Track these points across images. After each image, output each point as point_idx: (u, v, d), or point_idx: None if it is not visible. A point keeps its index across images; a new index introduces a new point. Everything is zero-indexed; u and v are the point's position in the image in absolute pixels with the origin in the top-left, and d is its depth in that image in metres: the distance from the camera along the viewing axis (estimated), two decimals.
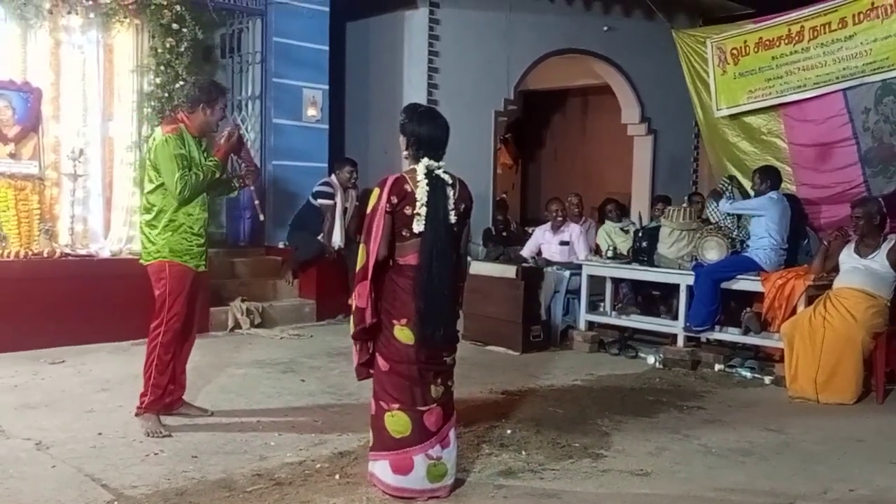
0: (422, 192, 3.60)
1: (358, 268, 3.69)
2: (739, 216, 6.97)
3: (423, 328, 3.61)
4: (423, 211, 3.60)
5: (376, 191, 3.68)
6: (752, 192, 7.03)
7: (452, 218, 3.71)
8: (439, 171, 3.69)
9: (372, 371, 3.78)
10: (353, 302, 3.71)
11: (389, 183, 3.64)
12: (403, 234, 3.64)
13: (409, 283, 3.64)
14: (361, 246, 3.69)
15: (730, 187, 7.08)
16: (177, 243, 4.60)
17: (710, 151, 8.38)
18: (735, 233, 6.97)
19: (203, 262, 4.75)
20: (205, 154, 4.69)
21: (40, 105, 6.99)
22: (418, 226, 3.60)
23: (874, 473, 4.25)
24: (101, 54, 7.43)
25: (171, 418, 4.69)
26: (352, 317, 3.74)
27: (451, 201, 3.70)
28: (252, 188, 5.34)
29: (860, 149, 7.15)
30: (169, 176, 4.53)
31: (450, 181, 3.71)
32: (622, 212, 8.96)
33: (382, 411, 3.68)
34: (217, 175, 4.70)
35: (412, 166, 3.72)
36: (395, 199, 3.61)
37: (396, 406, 3.65)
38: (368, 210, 3.69)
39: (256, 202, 5.74)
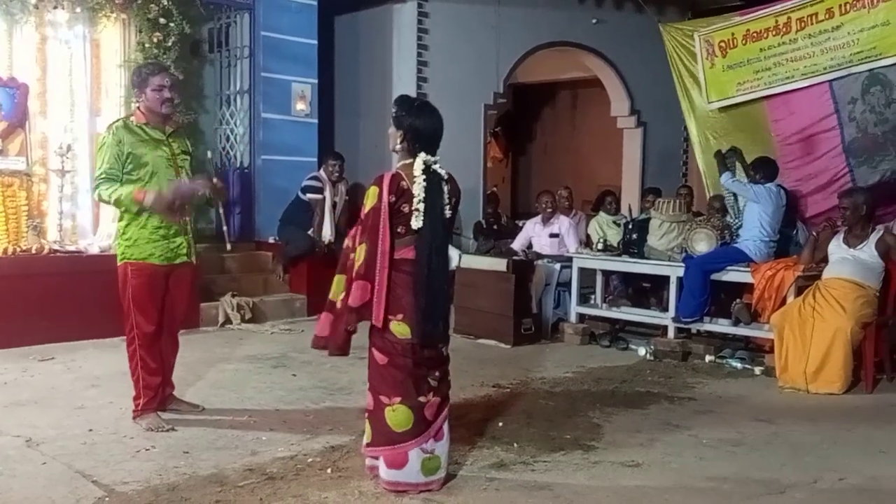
0: (419, 189, 3.56)
1: (357, 265, 3.59)
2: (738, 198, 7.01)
3: (425, 324, 3.59)
4: (422, 207, 3.56)
5: (374, 189, 3.61)
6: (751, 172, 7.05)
7: (448, 213, 3.71)
8: (435, 167, 3.66)
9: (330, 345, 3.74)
10: (343, 301, 3.64)
11: (387, 181, 3.59)
12: (399, 230, 3.60)
13: (405, 277, 3.61)
14: (362, 245, 3.59)
15: (733, 159, 7.11)
16: (142, 239, 4.48)
17: (700, 151, 8.38)
18: (733, 218, 7.00)
19: (178, 254, 4.56)
20: (168, 141, 4.55)
21: (27, 101, 6.95)
22: (416, 222, 3.56)
23: (864, 462, 4.28)
24: (87, 49, 7.40)
25: (163, 415, 4.66)
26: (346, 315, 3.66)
27: (446, 196, 3.69)
28: (221, 211, 5.10)
29: (844, 139, 7.18)
30: (97, 170, 4.53)
31: (444, 176, 3.69)
32: (619, 205, 8.97)
33: (382, 405, 3.66)
34: (131, 210, 4.46)
35: (406, 161, 3.67)
36: (392, 198, 3.57)
37: (398, 399, 3.63)
38: (367, 209, 3.61)
39: (224, 228, 5.22)
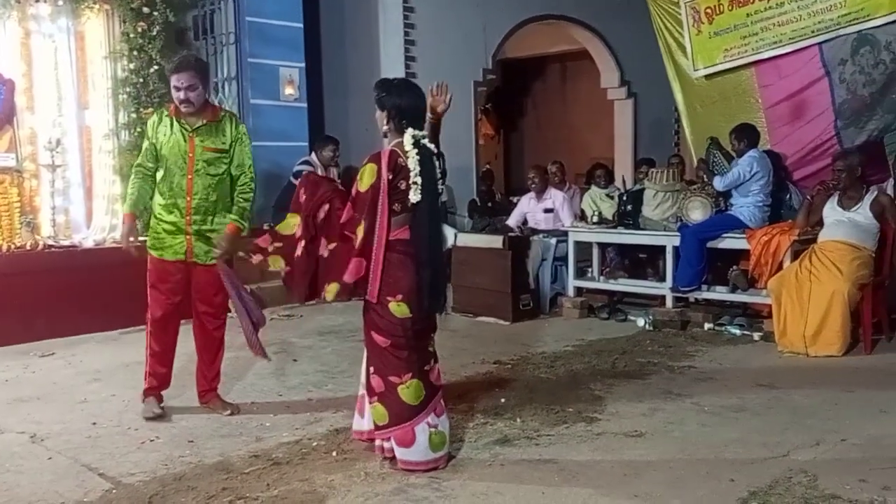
0: (414, 163, 3.55)
1: (356, 243, 3.59)
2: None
3: (427, 300, 3.61)
4: (419, 180, 3.54)
5: (371, 166, 3.59)
6: (732, 154, 7.01)
7: (440, 187, 3.72)
8: (424, 141, 3.65)
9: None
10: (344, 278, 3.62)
11: (385, 158, 3.58)
12: (394, 208, 3.59)
13: (401, 257, 3.60)
14: (360, 224, 3.58)
15: (718, 156, 7.03)
16: (153, 231, 4.55)
17: (688, 120, 8.37)
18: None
19: (178, 252, 4.49)
20: (192, 136, 4.45)
21: (13, 97, 6.89)
22: (415, 196, 3.54)
23: (865, 423, 4.30)
24: (72, 42, 7.34)
25: (168, 405, 4.68)
26: (333, 286, 3.66)
27: (438, 171, 3.68)
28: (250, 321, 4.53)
29: (834, 101, 7.16)
30: None
31: (434, 150, 3.69)
32: (609, 178, 8.96)
33: (394, 385, 3.65)
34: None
35: (398, 139, 3.66)
36: (390, 175, 3.56)
37: (409, 376, 3.65)
38: (364, 187, 3.59)
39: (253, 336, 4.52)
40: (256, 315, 4.49)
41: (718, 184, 6.84)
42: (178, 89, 4.43)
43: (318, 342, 6.47)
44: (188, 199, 4.48)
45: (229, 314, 4.75)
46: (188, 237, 4.51)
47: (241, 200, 4.56)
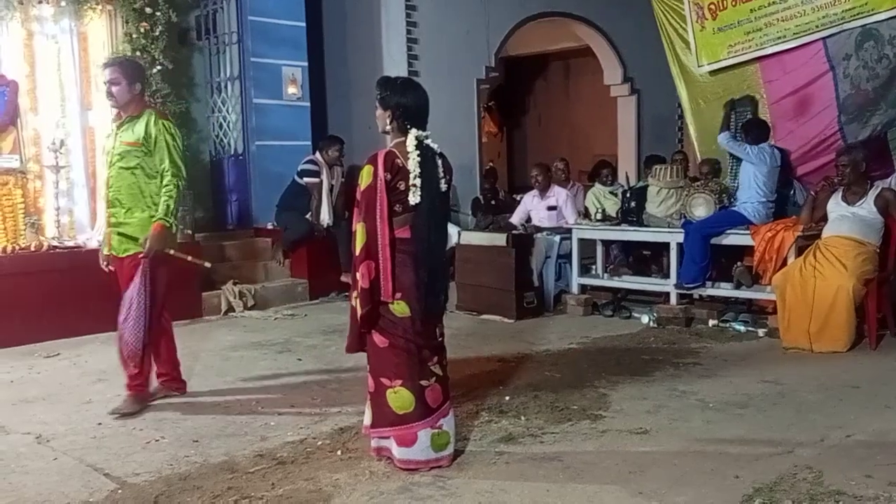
0: (414, 164, 3.54)
1: (359, 248, 3.57)
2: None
3: (425, 300, 3.59)
4: (419, 182, 3.54)
5: (368, 167, 3.59)
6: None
7: (443, 187, 3.70)
8: (427, 141, 3.64)
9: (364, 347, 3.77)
10: (358, 283, 3.57)
11: (381, 158, 3.57)
12: (395, 209, 3.58)
13: (402, 256, 3.59)
14: (360, 225, 3.58)
15: (746, 108, 7.12)
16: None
17: (691, 117, 8.35)
18: (731, 180, 7.00)
19: (106, 242, 4.77)
20: (118, 131, 4.68)
21: (17, 98, 6.92)
22: (414, 198, 3.54)
23: (870, 418, 4.29)
24: (75, 43, 7.37)
25: (173, 405, 4.76)
26: (356, 301, 3.61)
27: (441, 170, 3.68)
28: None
29: (838, 96, 7.14)
30: None
31: (437, 150, 3.68)
32: (614, 176, 8.95)
33: (384, 388, 3.66)
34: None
35: (399, 139, 3.66)
36: (388, 175, 3.54)
37: (399, 382, 3.63)
38: (363, 187, 3.59)
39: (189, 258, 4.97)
40: (134, 336, 4.62)
41: (723, 138, 6.98)
42: (104, 84, 4.73)
43: (322, 341, 6.48)
44: (107, 191, 4.72)
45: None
46: (109, 229, 4.74)
47: (165, 198, 4.61)
